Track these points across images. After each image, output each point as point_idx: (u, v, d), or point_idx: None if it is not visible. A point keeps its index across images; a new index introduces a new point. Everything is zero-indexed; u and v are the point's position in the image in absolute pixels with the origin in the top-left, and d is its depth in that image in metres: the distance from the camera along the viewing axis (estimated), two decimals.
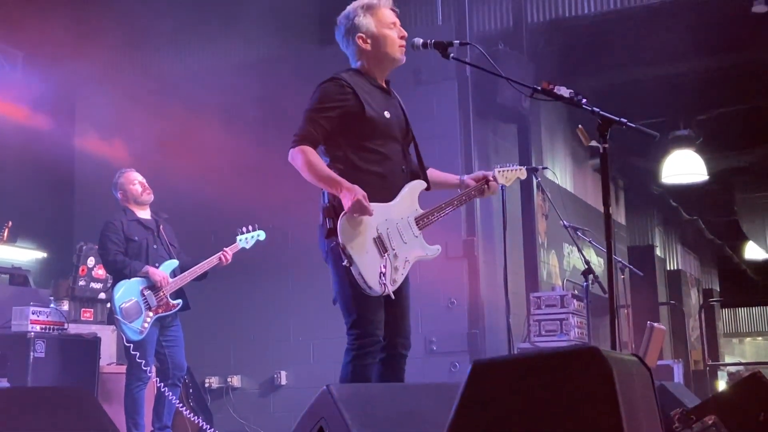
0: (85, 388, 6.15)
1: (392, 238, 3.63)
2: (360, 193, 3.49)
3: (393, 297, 3.59)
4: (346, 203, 3.49)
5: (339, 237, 3.50)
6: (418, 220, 3.73)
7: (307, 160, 3.61)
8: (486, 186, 3.98)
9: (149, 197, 6.15)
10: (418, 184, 3.80)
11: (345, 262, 3.51)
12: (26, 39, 8.64)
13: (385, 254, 3.59)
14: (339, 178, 3.56)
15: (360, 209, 3.49)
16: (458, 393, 1.87)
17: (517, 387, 1.83)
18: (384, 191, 3.68)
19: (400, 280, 3.66)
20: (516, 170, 4.21)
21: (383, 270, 3.55)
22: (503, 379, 1.85)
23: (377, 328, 3.63)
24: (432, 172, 4.01)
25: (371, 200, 3.57)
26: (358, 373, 3.57)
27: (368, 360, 3.61)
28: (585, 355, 1.80)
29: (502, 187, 6.00)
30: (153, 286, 5.83)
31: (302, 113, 3.72)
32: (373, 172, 3.68)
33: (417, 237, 3.73)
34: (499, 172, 4.12)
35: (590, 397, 1.74)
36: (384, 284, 3.54)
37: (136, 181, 6.14)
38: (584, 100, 3.34)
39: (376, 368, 3.73)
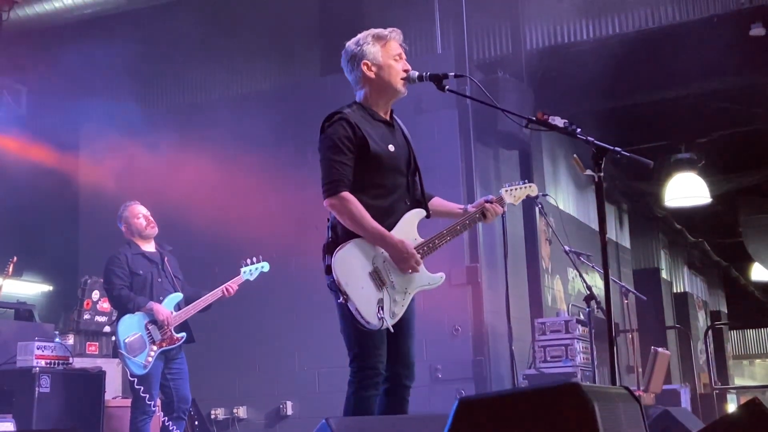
0: (89, 423, 6.17)
1: (389, 271, 3.63)
2: (410, 248, 3.59)
3: (392, 330, 3.58)
4: (399, 262, 3.59)
5: (334, 274, 3.53)
6: (417, 250, 3.71)
7: (354, 210, 3.59)
8: (486, 209, 3.91)
9: (153, 231, 6.17)
10: (417, 213, 3.79)
11: (341, 299, 3.53)
12: (30, 74, 8.73)
13: (383, 288, 3.59)
14: (384, 231, 3.60)
15: (411, 266, 3.60)
16: (445, 430, 1.88)
17: (501, 424, 1.83)
18: (386, 225, 3.67)
19: (400, 312, 3.64)
20: (525, 187, 4.12)
21: (380, 304, 3.55)
22: (488, 416, 1.85)
23: (379, 361, 3.63)
24: (435, 201, 4.00)
25: None
26: (361, 405, 3.57)
27: (370, 392, 3.60)
28: (566, 391, 1.80)
29: (502, 214, 6.07)
30: (157, 321, 5.84)
31: (321, 160, 3.70)
32: (378, 207, 3.68)
33: None
34: (506, 191, 4.08)
35: None
36: (382, 318, 3.53)
37: (140, 214, 6.16)
38: (578, 130, 3.36)
39: (380, 399, 3.73)
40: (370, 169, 3.70)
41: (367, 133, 3.71)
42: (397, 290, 3.63)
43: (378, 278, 3.60)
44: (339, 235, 3.64)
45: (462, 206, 4.02)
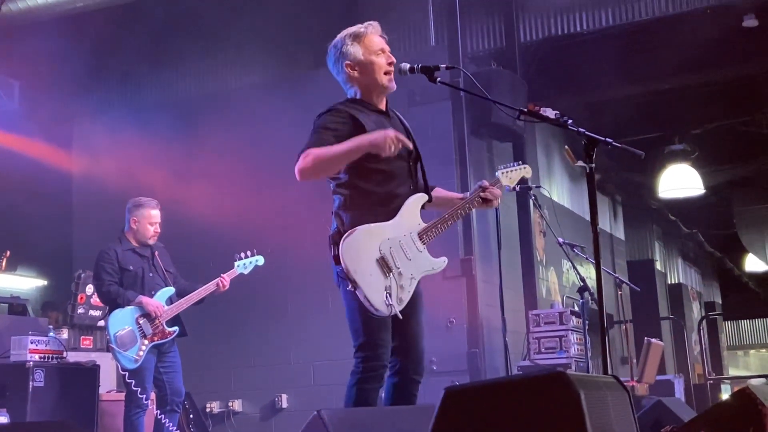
0: (84, 417, 6.17)
1: (396, 257, 3.61)
2: (390, 132, 3.47)
3: (401, 317, 3.57)
4: (380, 144, 3.46)
5: (342, 262, 3.50)
6: (422, 235, 3.71)
7: (317, 154, 3.53)
8: (484, 193, 3.88)
9: (153, 241, 6.12)
10: (419, 198, 3.78)
11: (349, 287, 3.51)
12: (23, 69, 8.71)
13: (390, 274, 3.58)
14: (357, 137, 3.52)
15: (397, 141, 3.47)
16: (432, 419, 1.89)
17: (488, 413, 1.84)
18: (391, 209, 3.67)
19: (406, 298, 3.63)
20: (520, 169, 4.11)
21: (388, 291, 3.55)
22: (475, 405, 1.86)
23: (384, 353, 3.61)
24: (436, 191, 3.98)
25: (377, 221, 3.60)
26: (362, 397, 3.55)
27: (373, 384, 3.59)
28: (552, 380, 1.81)
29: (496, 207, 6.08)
30: (148, 314, 5.83)
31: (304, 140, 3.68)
32: (380, 193, 3.67)
33: (421, 252, 3.70)
34: (503, 173, 4.06)
35: (558, 422, 1.75)
36: (390, 305, 3.53)
37: (154, 222, 6.04)
38: (570, 121, 3.36)
39: (388, 393, 3.71)
40: (369, 155, 3.65)
41: (363, 120, 3.70)
42: (404, 276, 3.62)
43: (385, 265, 3.58)
44: (345, 224, 3.62)
45: (462, 195, 4.00)
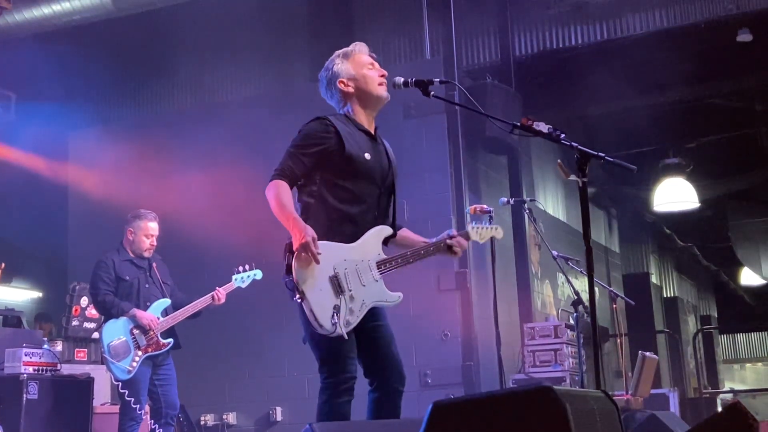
0: (78, 429, 6.16)
1: (350, 279, 3.61)
2: (310, 234, 3.49)
3: (346, 338, 3.54)
4: (295, 243, 3.51)
5: (293, 272, 3.50)
6: (380, 264, 3.71)
7: (277, 194, 3.63)
8: (450, 241, 3.87)
9: (149, 254, 6.14)
10: (384, 230, 3.79)
11: (297, 297, 3.50)
12: (19, 81, 8.73)
13: (341, 294, 3.57)
14: (296, 216, 3.58)
15: (305, 249, 3.48)
16: None
17: (476, 427, 1.85)
18: (349, 231, 3.68)
19: (354, 322, 3.60)
20: (492, 228, 4.12)
21: (336, 310, 3.53)
22: (462, 419, 1.87)
23: (351, 364, 3.61)
24: (403, 231, 3.97)
25: (334, 238, 3.59)
26: (336, 412, 3.54)
27: (345, 397, 3.58)
28: (538, 395, 1.82)
29: (489, 217, 6.09)
30: (142, 326, 5.83)
31: (286, 150, 3.76)
32: (342, 211, 3.68)
33: (377, 281, 3.69)
34: (473, 229, 4.04)
35: None
36: (335, 324, 3.50)
37: (150, 235, 6.09)
38: (563, 135, 3.38)
39: (372, 408, 3.70)
40: (341, 173, 3.70)
41: (345, 137, 3.73)
42: (356, 300, 3.60)
43: (337, 285, 3.58)
44: None
45: (427, 240, 3.95)
